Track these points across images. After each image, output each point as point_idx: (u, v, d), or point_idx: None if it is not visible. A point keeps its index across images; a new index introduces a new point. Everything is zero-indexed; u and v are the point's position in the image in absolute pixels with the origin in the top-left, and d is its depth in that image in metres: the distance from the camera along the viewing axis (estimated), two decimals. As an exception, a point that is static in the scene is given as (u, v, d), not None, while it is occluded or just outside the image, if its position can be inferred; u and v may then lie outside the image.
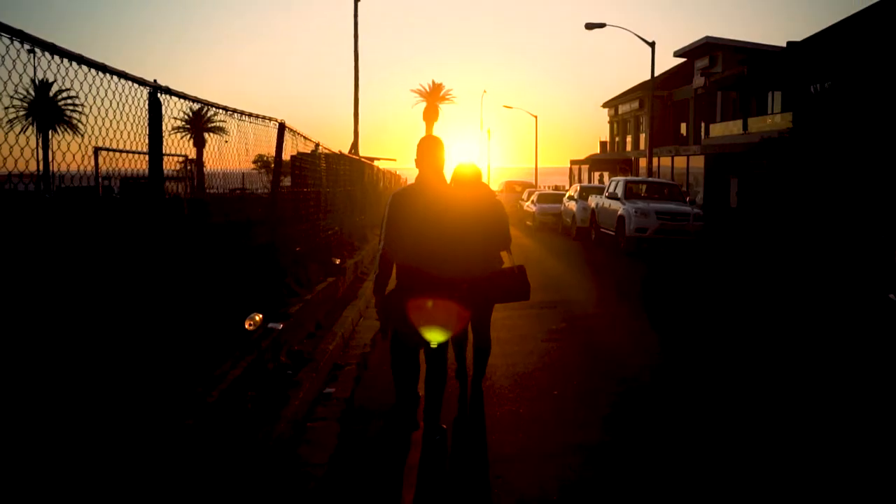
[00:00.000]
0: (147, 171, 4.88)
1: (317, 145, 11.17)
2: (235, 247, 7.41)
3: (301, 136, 9.65)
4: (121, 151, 4.95)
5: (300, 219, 9.91)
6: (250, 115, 6.94)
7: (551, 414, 5.86)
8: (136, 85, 4.53)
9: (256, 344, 6.24)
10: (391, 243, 4.95)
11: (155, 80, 4.67)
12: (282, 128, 8.24)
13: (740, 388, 6.63)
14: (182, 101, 5.46)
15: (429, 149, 4.98)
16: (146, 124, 4.75)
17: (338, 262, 11.83)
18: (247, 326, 6.50)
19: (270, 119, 7.80)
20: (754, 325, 9.63)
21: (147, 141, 4.71)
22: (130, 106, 4.62)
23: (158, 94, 4.74)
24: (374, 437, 5.49)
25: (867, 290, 12.21)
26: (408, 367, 5.30)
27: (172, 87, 4.88)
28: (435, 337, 5.03)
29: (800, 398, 6.34)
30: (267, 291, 7.74)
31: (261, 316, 6.70)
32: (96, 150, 5.56)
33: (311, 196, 10.83)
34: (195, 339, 5.49)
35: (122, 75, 4.17)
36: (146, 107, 4.68)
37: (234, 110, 6.35)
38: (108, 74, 4.05)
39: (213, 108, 6.37)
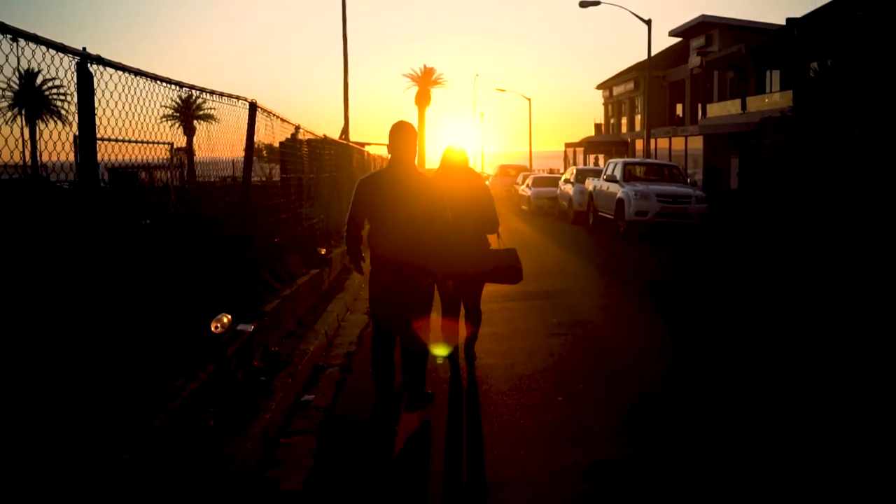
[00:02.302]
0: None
1: (297, 128, 10.40)
2: (205, 241, 6.72)
3: (278, 117, 8.86)
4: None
5: (278, 207, 9.18)
6: (212, 92, 6.15)
7: (557, 425, 5.16)
8: (61, 54, 3.80)
9: (222, 349, 5.54)
10: (357, 215, 5.12)
11: (84, 49, 3.93)
12: (253, 108, 7.45)
13: (763, 387, 5.96)
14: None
15: (397, 134, 5.06)
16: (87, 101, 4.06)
17: (323, 251, 11.14)
18: (213, 329, 5.82)
19: (238, 98, 7.01)
20: (770, 312, 8.96)
21: (77, 119, 3.98)
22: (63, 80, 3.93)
23: (89, 65, 3.99)
24: (355, 454, 4.83)
25: (888, 271, 11.57)
26: (388, 361, 5.25)
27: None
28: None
29: (824, 397, 5.68)
30: (240, 288, 7.05)
31: (229, 317, 6.00)
32: (75, 138, 5.18)
33: (291, 183, 10.11)
34: (154, 348, 4.81)
35: (34, 39, 3.41)
36: (75, 79, 3.94)
37: (192, 87, 5.58)
38: (17, 40, 3.29)
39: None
